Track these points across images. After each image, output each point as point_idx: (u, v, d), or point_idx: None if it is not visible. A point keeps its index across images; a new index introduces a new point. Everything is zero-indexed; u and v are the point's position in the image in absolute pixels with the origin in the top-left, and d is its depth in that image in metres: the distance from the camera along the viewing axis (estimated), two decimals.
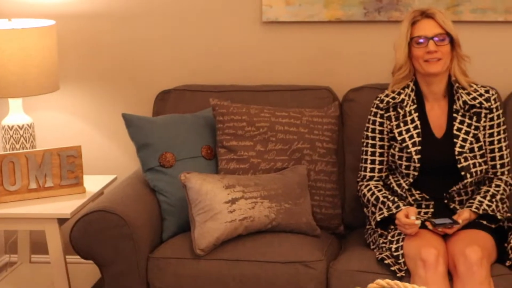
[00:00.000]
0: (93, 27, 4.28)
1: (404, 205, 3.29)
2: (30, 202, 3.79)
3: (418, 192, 3.42)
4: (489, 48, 3.98)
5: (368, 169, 3.54)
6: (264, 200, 3.43)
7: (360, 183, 3.55)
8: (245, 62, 4.20)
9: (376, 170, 3.53)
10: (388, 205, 3.33)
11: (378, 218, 3.33)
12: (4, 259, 4.55)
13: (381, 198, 3.38)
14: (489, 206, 3.29)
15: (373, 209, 3.41)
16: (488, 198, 3.33)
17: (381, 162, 3.52)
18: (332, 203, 3.68)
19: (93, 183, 4.04)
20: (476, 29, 3.97)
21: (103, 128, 4.35)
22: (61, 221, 3.68)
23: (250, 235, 3.43)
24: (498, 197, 3.36)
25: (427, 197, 3.42)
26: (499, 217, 3.30)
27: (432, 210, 3.40)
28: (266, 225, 3.43)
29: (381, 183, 3.52)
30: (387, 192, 3.43)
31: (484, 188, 3.41)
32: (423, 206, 3.41)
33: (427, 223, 3.23)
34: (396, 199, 3.34)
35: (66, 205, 3.74)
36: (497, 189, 3.39)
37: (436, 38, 3.31)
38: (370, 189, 3.46)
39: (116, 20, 4.26)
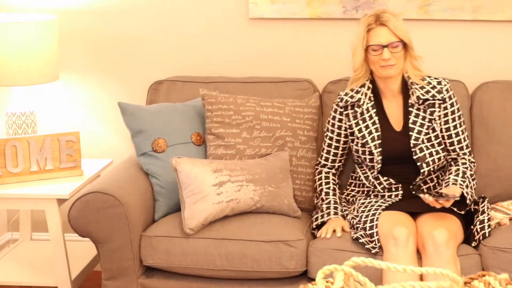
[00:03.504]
0: (92, 21, 4.28)
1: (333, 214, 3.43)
2: (31, 183, 3.79)
3: (385, 179, 3.45)
4: (458, 44, 4.01)
5: (323, 157, 3.64)
6: (249, 183, 3.43)
7: (316, 167, 3.67)
8: (232, 55, 4.21)
9: (330, 160, 3.62)
10: (324, 204, 3.50)
11: (314, 225, 3.46)
12: (7, 237, 4.55)
13: (323, 196, 3.53)
14: (463, 181, 3.33)
15: (316, 202, 3.57)
16: (460, 175, 3.37)
17: (335, 154, 3.61)
18: (312, 187, 3.68)
19: (90, 167, 4.05)
20: (446, 27, 3.99)
21: (100, 115, 4.35)
22: (60, 201, 3.69)
23: (236, 215, 3.44)
24: (468, 173, 3.40)
25: (394, 182, 3.45)
26: (468, 201, 3.29)
27: (401, 192, 3.44)
28: (250, 206, 3.43)
29: (333, 171, 3.63)
30: (330, 186, 3.55)
31: (454, 168, 3.44)
32: (393, 190, 3.45)
33: (424, 197, 3.20)
34: (331, 208, 3.46)
35: (65, 187, 3.74)
36: (464, 166, 3.43)
37: (390, 46, 3.31)
38: (320, 178, 3.60)
39: (113, 15, 4.26)
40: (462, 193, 3.22)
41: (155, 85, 4.04)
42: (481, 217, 3.32)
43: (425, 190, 3.40)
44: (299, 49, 4.14)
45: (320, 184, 3.56)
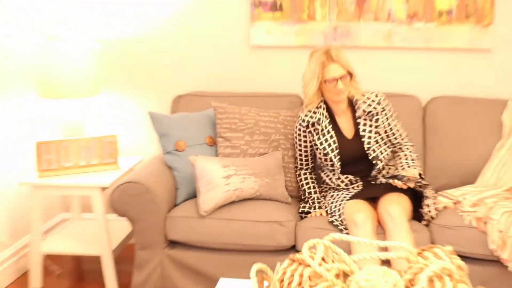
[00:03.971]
0: (128, 48, 4.28)
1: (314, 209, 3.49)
2: (80, 175, 3.80)
3: (345, 176, 3.49)
4: (413, 66, 4.01)
5: (299, 162, 3.64)
6: (251, 176, 3.44)
7: (296, 170, 3.68)
8: (237, 75, 4.20)
9: (304, 164, 3.62)
10: (307, 204, 3.54)
11: (300, 211, 3.50)
12: (61, 216, 4.58)
13: (306, 195, 3.58)
14: (413, 162, 3.45)
15: (302, 197, 3.61)
16: (409, 158, 3.48)
17: (306, 160, 3.61)
18: None
19: (126, 162, 4.05)
20: (405, 53, 4.00)
21: (133, 122, 4.35)
22: (103, 189, 3.69)
23: (240, 201, 3.45)
24: (414, 155, 3.50)
25: (354, 179, 3.49)
26: (421, 174, 3.39)
27: (361, 186, 3.48)
28: (252, 194, 3.45)
29: (309, 170, 3.64)
30: (310, 186, 3.59)
31: (401, 153, 3.52)
32: (354, 183, 3.49)
33: (393, 182, 3.29)
34: (315, 203, 3.52)
35: (106, 178, 3.75)
36: (408, 151, 3.52)
37: (342, 78, 3.32)
38: (301, 180, 3.63)
39: (144, 44, 4.26)
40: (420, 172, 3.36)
41: (177, 98, 4.05)
42: (427, 202, 3.35)
43: (385, 177, 3.45)
44: (289, 70, 4.12)
45: (302, 185, 3.60)
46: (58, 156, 3.77)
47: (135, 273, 3.44)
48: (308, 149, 3.56)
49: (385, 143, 3.48)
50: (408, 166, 3.41)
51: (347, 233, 3.17)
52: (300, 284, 2.04)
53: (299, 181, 3.63)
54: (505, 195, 3.41)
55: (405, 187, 3.25)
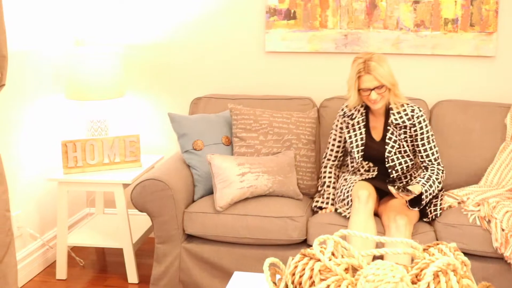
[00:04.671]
0: (149, 53, 4.29)
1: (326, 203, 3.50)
2: (104, 172, 3.82)
3: (366, 162, 3.47)
4: (421, 72, 3.98)
5: (328, 153, 3.64)
6: (264, 174, 3.43)
7: (322, 160, 3.67)
8: (253, 79, 4.19)
9: (333, 156, 3.62)
10: (320, 198, 3.56)
11: (314, 205, 3.52)
12: (86, 211, 4.61)
13: (325, 187, 3.58)
14: (426, 183, 3.25)
15: (319, 188, 3.63)
16: (426, 178, 3.29)
17: (337, 151, 3.61)
18: (311, 177, 3.68)
19: (147, 160, 4.07)
20: (412, 59, 3.97)
21: (154, 122, 4.35)
22: (125, 185, 3.72)
23: (254, 198, 3.44)
24: (433, 177, 3.30)
25: (373, 165, 3.47)
26: (431, 192, 3.26)
27: (376, 173, 3.46)
28: (265, 191, 3.44)
29: (335, 164, 3.63)
30: (331, 180, 3.59)
31: (424, 173, 3.37)
32: (371, 170, 3.47)
33: (389, 188, 3.16)
34: (329, 200, 3.52)
35: (128, 175, 3.77)
36: (431, 172, 3.35)
37: (376, 88, 3.25)
38: (325, 171, 3.63)
39: (165, 49, 4.27)
40: (422, 192, 3.20)
41: (195, 100, 4.04)
42: (434, 201, 3.34)
43: (397, 184, 3.39)
44: (302, 75, 4.12)
45: (324, 177, 3.59)
46: (83, 154, 3.80)
47: (154, 266, 3.44)
48: (342, 138, 3.56)
49: (407, 156, 3.39)
50: (417, 182, 3.27)
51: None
52: (310, 277, 2.01)
53: (322, 171, 3.62)
54: (507, 195, 3.40)
55: (398, 198, 3.17)
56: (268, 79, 4.16)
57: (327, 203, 3.48)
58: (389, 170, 3.39)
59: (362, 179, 3.39)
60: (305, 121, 3.72)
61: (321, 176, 3.63)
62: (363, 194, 3.17)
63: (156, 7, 4.22)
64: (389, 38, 3.95)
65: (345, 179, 3.47)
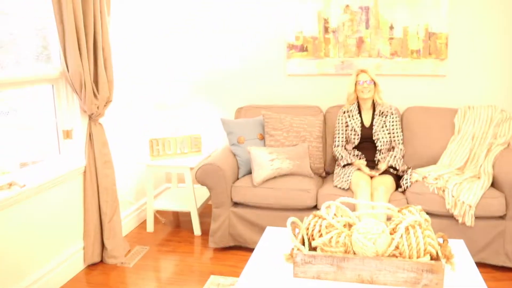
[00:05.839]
0: (209, 76, 4.29)
1: (354, 159, 3.45)
2: (177, 159, 3.83)
3: (358, 153, 3.48)
4: (396, 87, 3.93)
5: (336, 142, 3.59)
6: (287, 159, 3.42)
7: (334, 148, 3.60)
8: (278, 93, 4.17)
9: (340, 142, 3.57)
10: (347, 159, 3.46)
11: (342, 164, 3.47)
12: (165, 185, 4.61)
13: (344, 156, 3.49)
14: (392, 161, 3.39)
15: (340, 161, 3.51)
16: (392, 157, 3.41)
17: (342, 138, 3.57)
18: (319, 161, 3.65)
19: (206, 151, 4.07)
20: (390, 78, 3.91)
21: (212, 124, 4.35)
22: (191, 168, 3.72)
23: (280, 176, 3.43)
24: (397, 156, 3.42)
25: (361, 154, 3.48)
26: (397, 167, 3.35)
27: (365, 160, 3.45)
28: (287, 171, 3.43)
29: (343, 148, 3.56)
30: (345, 153, 3.51)
31: (391, 152, 3.45)
32: (360, 158, 3.47)
33: (363, 170, 3.31)
34: (350, 157, 3.46)
35: (193, 160, 3.78)
36: (396, 152, 3.45)
37: (368, 81, 3.40)
38: (338, 152, 3.55)
39: (219, 73, 4.26)
40: (392, 165, 3.34)
41: (238, 109, 4.04)
42: (405, 177, 3.32)
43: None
44: (312, 90, 4.09)
45: (340, 155, 3.50)
46: (163, 147, 3.82)
47: (212, 223, 3.46)
48: (344, 128, 3.55)
49: (388, 134, 3.48)
50: (388, 161, 3.38)
51: (347, 189, 3.25)
52: (319, 231, 2.02)
53: (337, 154, 3.54)
54: (456, 172, 3.37)
55: (371, 175, 3.29)
56: (289, 94, 4.15)
57: (351, 159, 3.43)
58: (376, 143, 3.44)
59: (357, 169, 3.36)
60: (315, 122, 3.71)
61: (337, 156, 3.54)
62: (362, 183, 3.17)
63: (212, 47, 4.24)
64: (373, 63, 3.91)
65: (341, 171, 3.42)
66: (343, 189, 3.25)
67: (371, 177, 3.31)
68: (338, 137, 3.59)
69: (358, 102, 3.55)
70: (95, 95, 3.09)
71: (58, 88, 3.10)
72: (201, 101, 4.34)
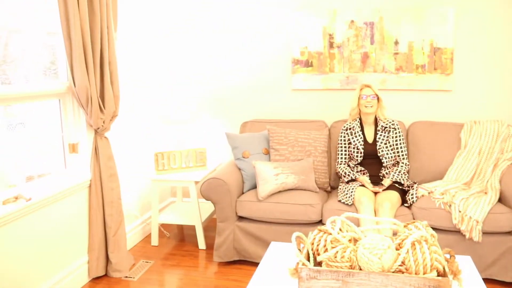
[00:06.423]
0: (213, 92, 4.30)
1: (358, 175, 3.42)
2: (182, 173, 3.82)
3: (361, 168, 3.46)
4: (401, 102, 3.93)
5: (338, 160, 3.58)
6: (292, 174, 3.42)
7: (337, 166, 3.59)
8: (283, 108, 4.18)
9: (343, 159, 3.56)
10: (350, 175, 3.43)
11: (346, 180, 3.45)
12: (170, 199, 4.62)
13: (347, 173, 3.45)
14: (397, 176, 3.35)
15: (343, 178, 3.47)
16: (397, 172, 3.37)
17: (345, 156, 3.56)
18: (324, 176, 3.64)
19: (211, 165, 4.06)
20: (395, 93, 3.92)
21: (217, 139, 4.37)
22: (196, 182, 3.71)
23: (285, 191, 3.42)
24: (402, 171, 3.39)
25: (365, 170, 3.46)
26: (402, 182, 3.33)
27: (368, 176, 3.43)
28: (292, 186, 3.42)
29: (346, 165, 3.54)
30: (348, 169, 3.48)
31: (396, 168, 3.42)
32: (363, 174, 3.45)
33: (368, 186, 3.28)
34: (353, 173, 3.43)
35: (198, 175, 3.77)
36: (401, 167, 3.43)
37: (371, 96, 3.39)
38: (341, 169, 3.52)
39: (225, 89, 4.28)
40: (397, 180, 3.31)
41: (243, 123, 4.04)
42: (411, 191, 3.30)
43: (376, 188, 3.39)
44: (317, 105, 4.09)
45: (344, 172, 3.48)
46: (168, 161, 3.82)
47: (216, 237, 3.45)
48: (347, 145, 3.54)
49: (391, 150, 3.45)
50: (393, 176, 3.36)
51: (350, 204, 3.21)
52: (324, 246, 2.01)
53: (340, 171, 3.53)
54: (462, 187, 3.35)
55: (375, 191, 3.28)
56: (294, 108, 4.15)
57: (353, 175, 3.43)
58: (381, 159, 3.41)
59: (360, 185, 3.34)
60: (320, 137, 3.70)
61: (340, 173, 3.52)
62: (364, 200, 3.14)
63: (218, 63, 4.26)
64: (378, 78, 3.92)
65: (345, 187, 3.40)
66: (347, 204, 3.23)
67: (375, 193, 3.29)
68: (341, 155, 3.58)
69: (360, 118, 3.54)
70: (101, 110, 3.11)
71: (64, 103, 3.12)
72: (207, 116, 4.35)
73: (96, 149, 3.17)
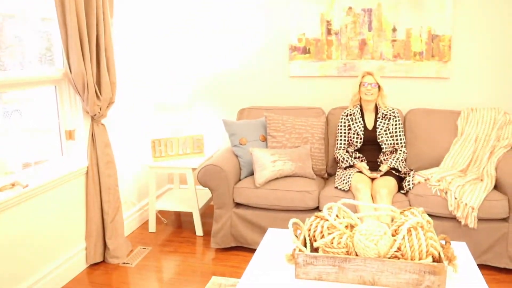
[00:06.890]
0: (210, 79, 4.29)
1: (356, 161, 3.43)
2: (179, 160, 3.82)
3: (359, 155, 3.46)
4: (399, 89, 3.93)
5: (338, 144, 3.58)
6: (289, 161, 3.42)
7: (336, 151, 3.59)
8: (281, 95, 4.17)
9: (342, 145, 3.55)
10: (348, 161, 3.43)
11: (344, 166, 3.45)
12: (167, 186, 4.62)
13: (346, 158, 3.46)
14: (395, 162, 3.37)
15: (342, 163, 3.47)
16: (395, 159, 3.38)
17: (344, 141, 3.55)
18: (321, 163, 3.64)
19: (208, 151, 4.07)
20: (393, 80, 3.91)
21: (214, 126, 4.37)
22: (193, 169, 3.72)
23: (282, 177, 3.43)
24: (400, 158, 3.40)
25: (363, 157, 3.46)
26: (399, 169, 3.33)
27: (366, 162, 3.44)
28: (289, 173, 3.42)
29: (344, 151, 3.54)
30: (347, 155, 3.49)
31: (394, 154, 3.43)
32: (361, 160, 3.46)
33: (365, 172, 3.29)
34: (352, 159, 3.44)
35: (195, 161, 3.78)
36: (399, 153, 3.44)
37: (372, 84, 3.37)
38: (340, 154, 3.52)
39: (222, 76, 4.27)
40: (395, 167, 3.32)
41: (240, 110, 4.03)
42: (408, 178, 3.30)
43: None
44: (314, 92, 4.09)
45: (342, 157, 3.47)
46: (165, 148, 3.82)
47: (213, 224, 3.46)
48: (346, 131, 3.53)
49: (391, 137, 3.46)
50: (390, 163, 3.37)
51: (347, 190, 3.22)
52: (321, 232, 2.02)
53: (338, 156, 3.52)
54: (458, 174, 3.35)
55: (372, 176, 3.29)
56: (291, 95, 4.15)
57: (352, 161, 3.43)
58: (381, 145, 3.43)
59: (357, 172, 3.35)
60: (317, 124, 3.70)
61: (339, 158, 3.52)
62: (361, 186, 3.14)
63: (214, 49, 4.24)
64: (375, 65, 3.90)
65: (342, 173, 3.41)
66: (344, 191, 3.24)
67: (372, 180, 3.30)
68: (340, 140, 3.58)
69: (360, 105, 3.54)
70: (97, 96, 3.09)
71: (61, 89, 3.10)
72: (204, 102, 4.34)
73: (93, 136, 3.16)
